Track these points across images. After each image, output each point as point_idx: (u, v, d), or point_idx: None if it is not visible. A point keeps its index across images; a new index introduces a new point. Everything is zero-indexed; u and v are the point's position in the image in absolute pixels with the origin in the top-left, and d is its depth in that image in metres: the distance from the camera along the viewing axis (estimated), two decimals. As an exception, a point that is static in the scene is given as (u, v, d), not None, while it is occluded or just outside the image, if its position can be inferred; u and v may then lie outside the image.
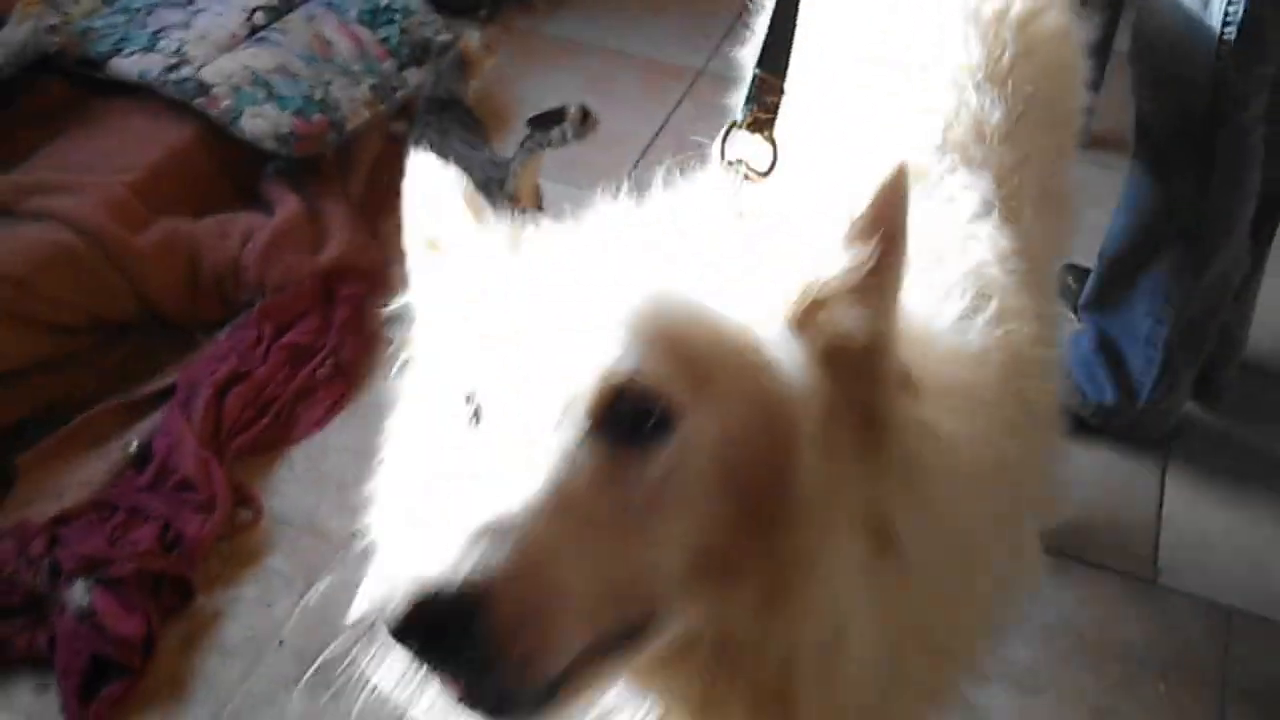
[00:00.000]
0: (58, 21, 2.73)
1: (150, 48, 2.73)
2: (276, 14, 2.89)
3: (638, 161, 3.02)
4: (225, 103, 2.64)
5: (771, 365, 0.94)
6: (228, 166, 2.71)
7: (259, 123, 2.64)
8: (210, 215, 2.64)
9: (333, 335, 2.51)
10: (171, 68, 2.68)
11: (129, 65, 2.70)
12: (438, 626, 0.82)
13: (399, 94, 2.91)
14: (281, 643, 2.06)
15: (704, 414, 0.91)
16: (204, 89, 2.65)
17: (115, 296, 2.48)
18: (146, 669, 2.00)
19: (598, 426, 0.90)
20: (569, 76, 3.34)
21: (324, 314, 2.54)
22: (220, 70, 2.69)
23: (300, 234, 2.59)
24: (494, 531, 0.84)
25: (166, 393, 2.41)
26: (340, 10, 2.94)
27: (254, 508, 2.26)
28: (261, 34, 2.83)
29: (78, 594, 2.03)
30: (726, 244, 1.04)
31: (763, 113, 1.30)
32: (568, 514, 0.87)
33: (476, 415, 0.96)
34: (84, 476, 2.28)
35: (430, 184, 1.11)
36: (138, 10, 2.87)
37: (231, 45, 2.78)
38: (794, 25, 1.36)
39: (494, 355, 0.96)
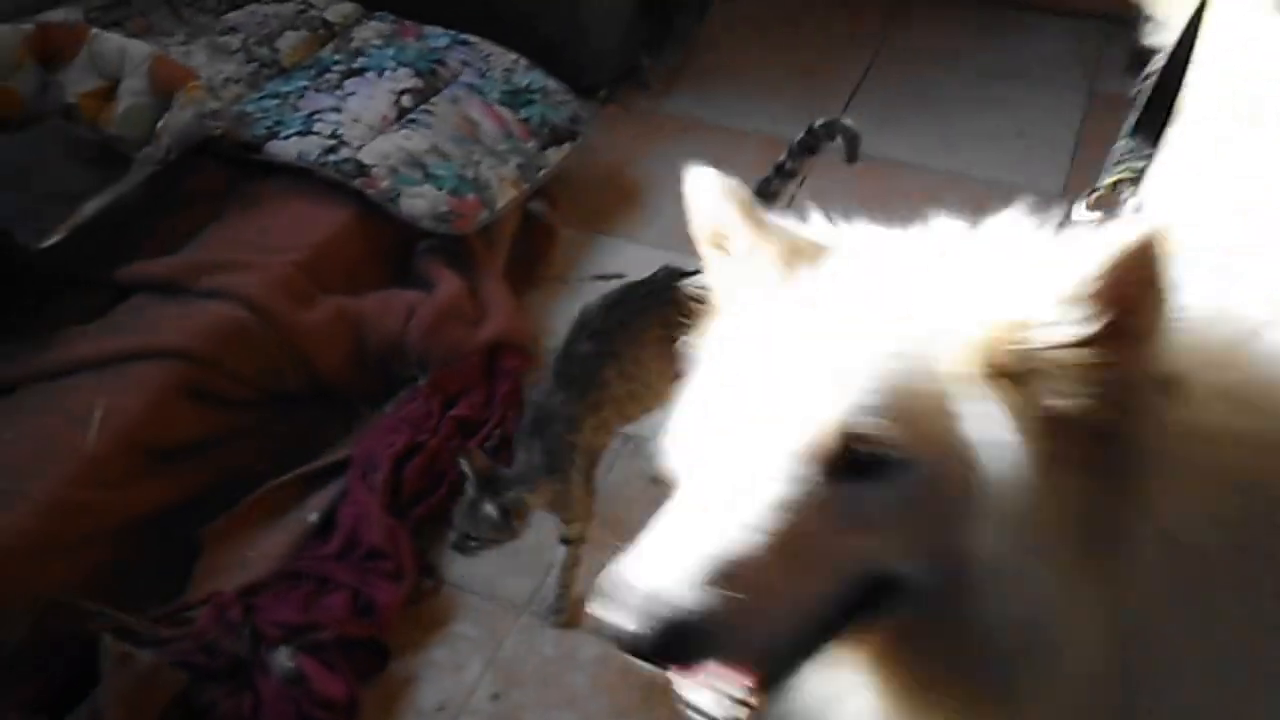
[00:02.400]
0: (219, 106, 2.84)
1: (306, 131, 2.84)
2: (422, 96, 3.00)
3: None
4: (384, 183, 2.74)
5: (959, 418, 0.97)
6: (383, 247, 2.81)
7: (418, 203, 2.73)
8: (368, 293, 2.73)
9: (497, 407, 2.58)
10: (330, 149, 2.78)
11: (287, 148, 2.80)
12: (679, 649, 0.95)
13: (541, 172, 3.00)
14: (496, 696, 2.12)
15: (922, 465, 0.97)
16: (363, 170, 2.75)
17: (286, 372, 2.56)
18: (347, 733, 2.06)
19: (826, 470, 0.98)
20: (691, 152, 3.43)
21: (488, 386, 2.62)
22: (376, 151, 2.80)
23: (461, 310, 2.68)
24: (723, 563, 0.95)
25: (339, 465, 2.48)
26: (483, 92, 3.05)
27: (435, 576, 2.33)
28: (411, 116, 2.94)
29: (282, 658, 2.09)
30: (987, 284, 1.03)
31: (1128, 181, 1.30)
32: (786, 548, 0.96)
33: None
34: (266, 549, 2.35)
35: (712, 189, 1.14)
36: (288, 93, 2.98)
37: (383, 128, 2.89)
38: (1178, 91, 1.36)
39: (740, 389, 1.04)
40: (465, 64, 3.14)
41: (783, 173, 2.21)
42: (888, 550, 1.00)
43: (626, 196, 3.29)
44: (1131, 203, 1.29)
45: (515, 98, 3.08)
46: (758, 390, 1.02)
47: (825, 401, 0.98)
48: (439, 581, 2.32)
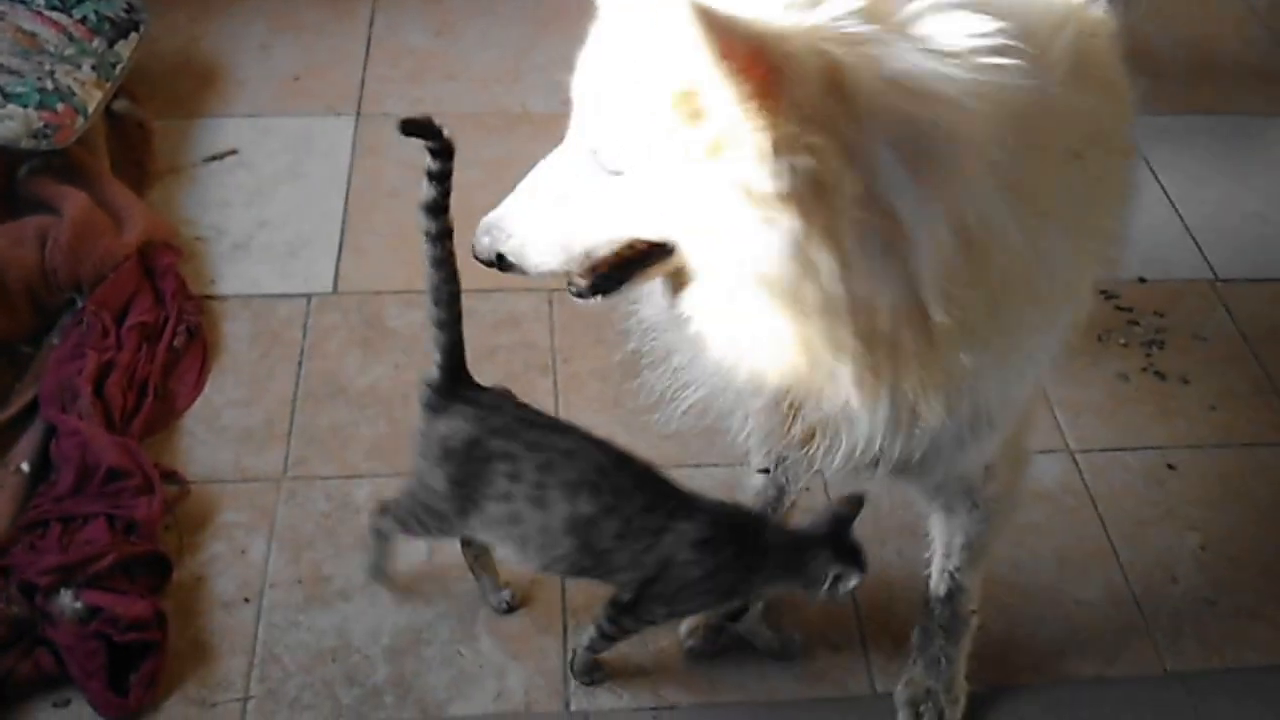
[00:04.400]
0: None
1: None
2: (-41, 19, 2.76)
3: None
4: (-39, 114, 2.54)
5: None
6: (-23, 179, 2.62)
7: (10, 125, 2.55)
8: (-20, 230, 2.55)
9: (170, 305, 2.53)
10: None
11: None
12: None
13: (118, 68, 2.87)
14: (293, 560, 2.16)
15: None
16: (-69, 106, 2.53)
17: (-74, 335, 2.38)
18: (165, 645, 2.05)
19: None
20: (249, 18, 3.41)
21: (153, 288, 2.55)
22: (-63, 84, 2.57)
23: (98, 221, 2.56)
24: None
25: (28, 410, 2.36)
26: (26, 1, 2.84)
27: (179, 480, 2.30)
28: (-44, 41, 2.71)
29: (67, 601, 2.03)
30: None
31: None
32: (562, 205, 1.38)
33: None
34: (-16, 512, 2.22)
35: None
36: None
37: (-70, 59, 2.65)
38: None
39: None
40: (-6, -24, 2.90)
41: None
42: (638, 226, 1.33)
43: (206, 74, 3.21)
44: None
45: (63, 0, 2.89)
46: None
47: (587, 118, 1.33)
48: (186, 483, 2.30)
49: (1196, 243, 3.01)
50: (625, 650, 2.05)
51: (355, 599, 2.14)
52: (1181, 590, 2.25)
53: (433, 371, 1.84)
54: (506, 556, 1.94)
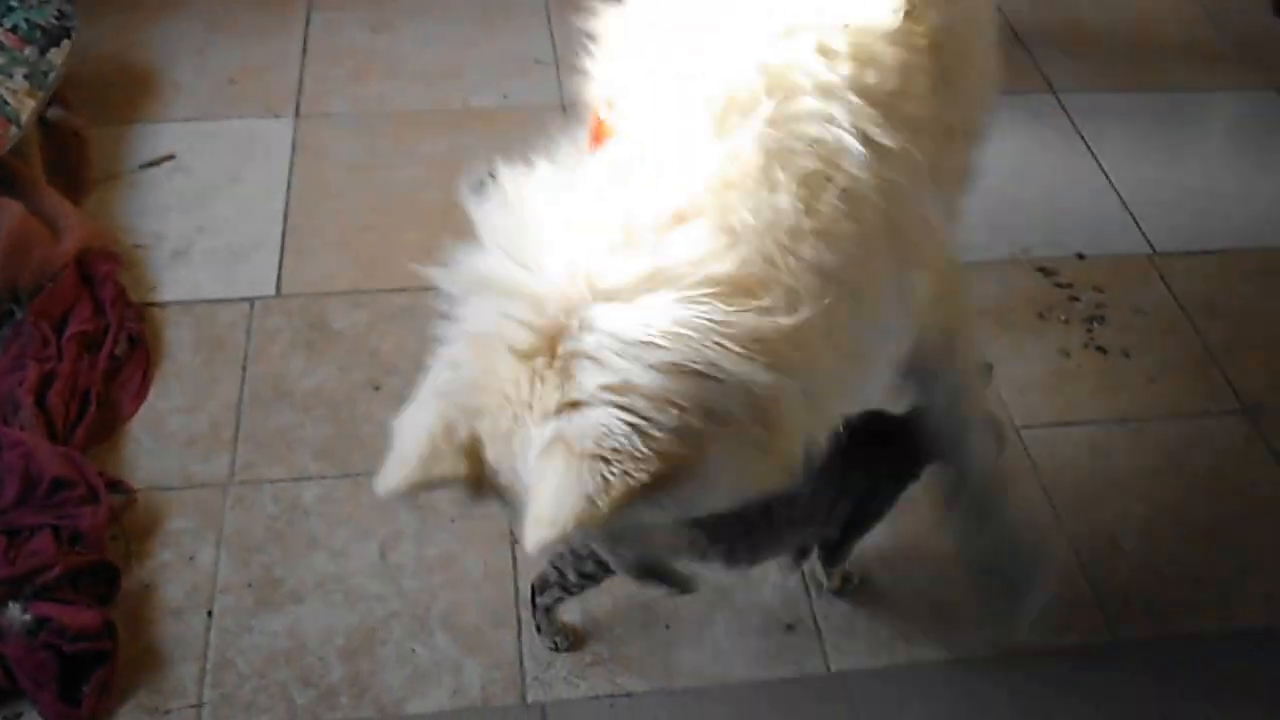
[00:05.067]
0: None
1: None
2: (-112, 30, 2.72)
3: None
4: (-109, 127, 2.50)
5: None
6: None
7: (-59, 136, 2.53)
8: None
9: (111, 313, 2.51)
10: None
11: None
12: None
13: (50, 76, 2.83)
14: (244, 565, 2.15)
15: None
16: None
17: None
18: (115, 655, 2.04)
19: None
20: (184, 22, 3.38)
21: (92, 297, 2.53)
22: None
23: (34, 231, 2.54)
24: None
25: (-32, 423, 2.33)
26: (-46, 10, 2.81)
27: (125, 489, 2.28)
28: (-117, 52, 2.67)
29: (15, 614, 2.01)
30: None
31: None
32: None
33: None
34: (-73, 527, 2.20)
35: None
36: None
37: None
38: None
39: None
40: (-85, -13, 2.86)
41: None
42: None
43: (140, 79, 3.18)
44: None
45: (-9, 8, 2.86)
46: None
47: None
48: (132, 491, 2.28)
49: (1134, 218, 3.05)
50: (585, 637, 2.07)
51: (308, 600, 2.14)
52: (1128, 560, 2.29)
53: None
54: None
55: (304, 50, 3.35)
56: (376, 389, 2.44)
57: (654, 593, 1.96)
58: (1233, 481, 2.45)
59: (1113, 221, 3.04)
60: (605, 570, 1.87)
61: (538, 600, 2.02)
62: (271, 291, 2.66)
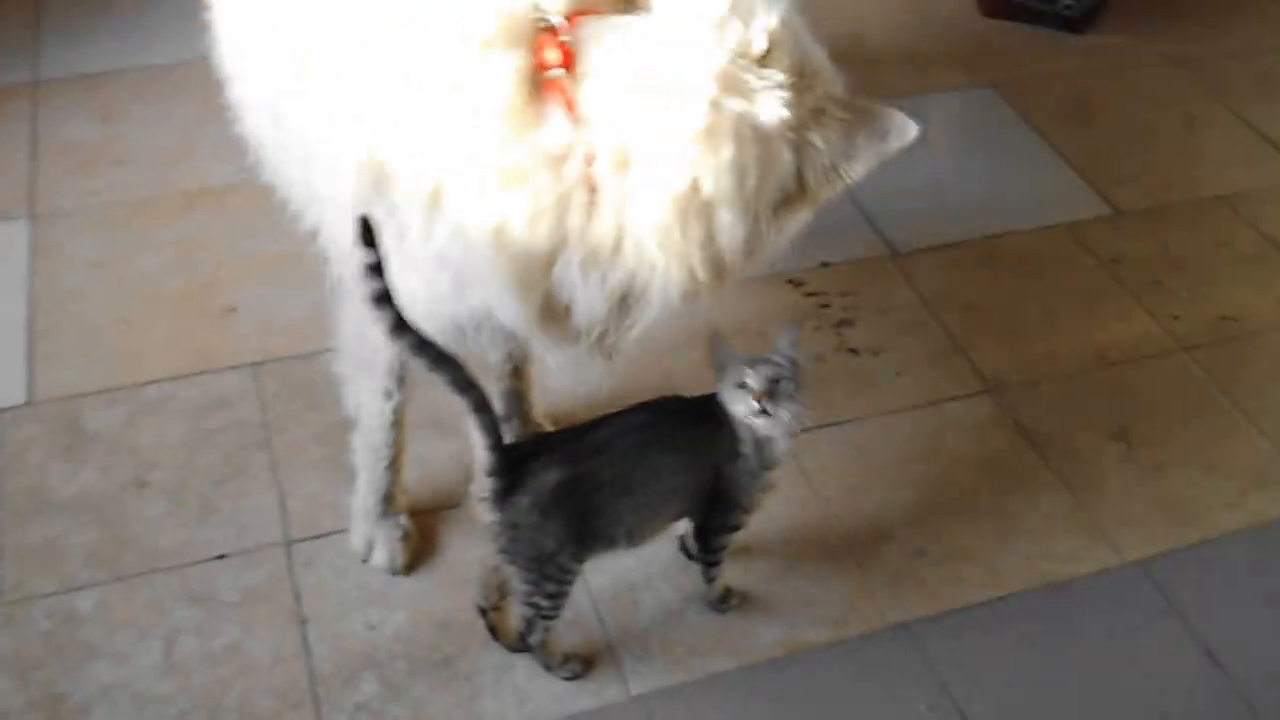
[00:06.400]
0: None
1: None
2: None
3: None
4: None
5: None
6: None
7: None
8: None
9: None
10: None
11: None
12: None
13: None
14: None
15: None
16: None
17: None
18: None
19: None
20: None
21: None
22: None
23: None
24: None
25: None
26: None
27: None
28: None
29: None
30: None
31: None
32: None
33: None
34: None
35: None
36: None
37: None
38: None
39: None
40: None
41: None
42: None
43: None
44: None
45: None
46: None
47: None
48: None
49: (872, 223, 3.21)
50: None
51: (94, 713, 2.07)
52: (896, 545, 2.41)
53: (485, 456, 1.82)
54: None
55: (33, 149, 3.26)
56: (142, 486, 2.39)
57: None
58: (985, 457, 2.61)
59: (853, 228, 3.20)
60: (565, 575, 1.96)
61: (530, 642, 2.07)
62: (22, 400, 2.57)
